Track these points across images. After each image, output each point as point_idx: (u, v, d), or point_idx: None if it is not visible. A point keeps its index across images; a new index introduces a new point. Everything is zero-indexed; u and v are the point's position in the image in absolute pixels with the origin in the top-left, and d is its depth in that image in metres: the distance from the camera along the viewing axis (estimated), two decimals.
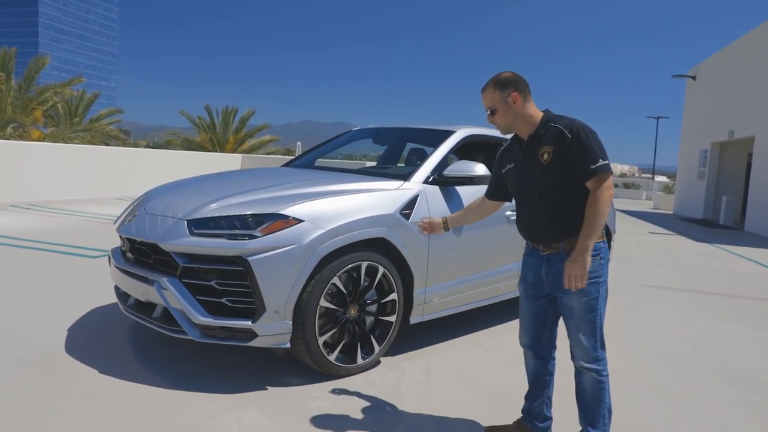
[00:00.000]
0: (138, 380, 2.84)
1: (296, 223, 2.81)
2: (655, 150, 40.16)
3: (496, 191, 2.58)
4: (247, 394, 2.78)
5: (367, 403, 2.77)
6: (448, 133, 3.97)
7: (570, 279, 2.07)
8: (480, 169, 3.57)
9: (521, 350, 2.51)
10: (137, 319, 3.06)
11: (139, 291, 2.99)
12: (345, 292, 2.98)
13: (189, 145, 27.22)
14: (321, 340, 2.89)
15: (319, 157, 4.73)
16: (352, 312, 3.06)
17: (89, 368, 2.95)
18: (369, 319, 3.20)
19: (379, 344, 3.19)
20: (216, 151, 25.77)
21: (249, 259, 2.69)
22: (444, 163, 3.70)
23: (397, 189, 3.33)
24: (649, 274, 6.74)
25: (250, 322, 2.72)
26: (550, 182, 2.16)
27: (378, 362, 3.29)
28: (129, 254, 3.17)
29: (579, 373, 2.28)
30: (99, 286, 4.45)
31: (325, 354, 2.92)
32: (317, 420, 2.56)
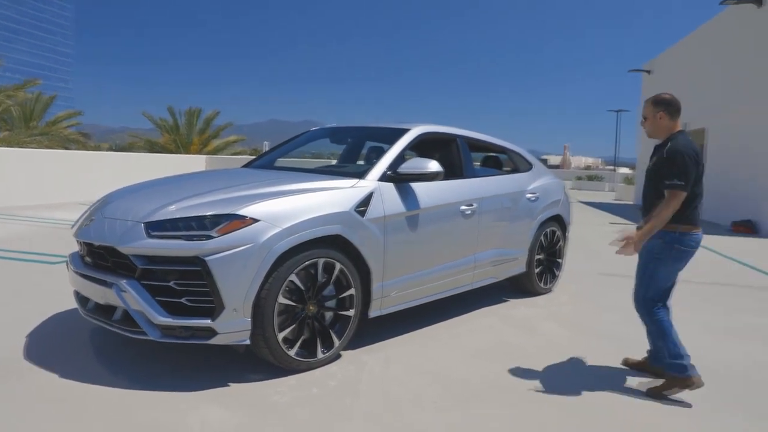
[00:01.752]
0: (100, 382, 2.86)
1: (252, 223, 2.88)
2: (617, 142, 41.42)
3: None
4: (209, 391, 2.84)
5: (329, 396, 2.87)
6: (403, 131, 4.09)
7: (625, 248, 2.91)
8: (433, 165, 3.70)
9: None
10: (98, 322, 3.09)
11: (99, 294, 3.01)
12: (303, 288, 3.07)
13: (152, 147, 26.68)
14: (280, 336, 2.98)
15: (279, 157, 4.79)
16: (311, 308, 3.15)
17: (50, 373, 2.96)
18: (328, 315, 3.30)
19: (339, 338, 3.29)
20: (180, 153, 25.36)
21: (206, 259, 2.75)
22: (399, 160, 3.81)
23: (352, 187, 3.43)
24: (606, 263, 7.02)
25: (209, 321, 2.79)
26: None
27: (339, 356, 3.39)
28: (87, 258, 3.19)
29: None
30: (58, 291, 4.42)
31: (285, 349, 3.01)
32: (281, 414, 2.65)
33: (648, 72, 19.78)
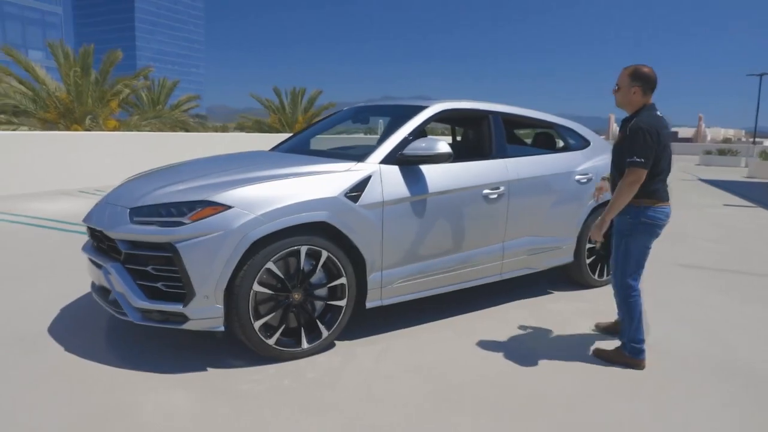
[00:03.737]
0: (97, 359, 3.01)
1: (225, 209, 2.83)
2: (757, 111, 36.10)
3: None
4: (184, 374, 2.88)
5: (304, 388, 2.77)
6: (419, 109, 3.79)
7: (592, 232, 3.02)
8: (440, 146, 3.38)
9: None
10: (99, 302, 3.25)
11: (96, 276, 3.17)
12: (283, 276, 2.97)
13: (260, 127, 28.25)
14: (257, 324, 2.92)
15: (311, 138, 4.69)
16: (297, 296, 3.05)
17: (59, 346, 3.19)
18: (319, 304, 3.18)
19: (328, 329, 3.16)
20: (285, 132, 26.55)
21: (177, 245, 2.76)
22: (408, 141, 3.54)
23: (346, 171, 3.24)
24: (694, 252, 6.14)
25: (181, 306, 2.80)
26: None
27: (332, 345, 3.28)
28: (92, 241, 3.36)
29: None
30: None
31: (263, 338, 2.95)
32: (246, 403, 2.60)
33: None
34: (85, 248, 3.36)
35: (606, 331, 3.60)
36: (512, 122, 4.48)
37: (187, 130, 21.73)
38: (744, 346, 3.45)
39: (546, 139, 4.84)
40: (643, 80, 2.97)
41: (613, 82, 3.12)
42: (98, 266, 3.09)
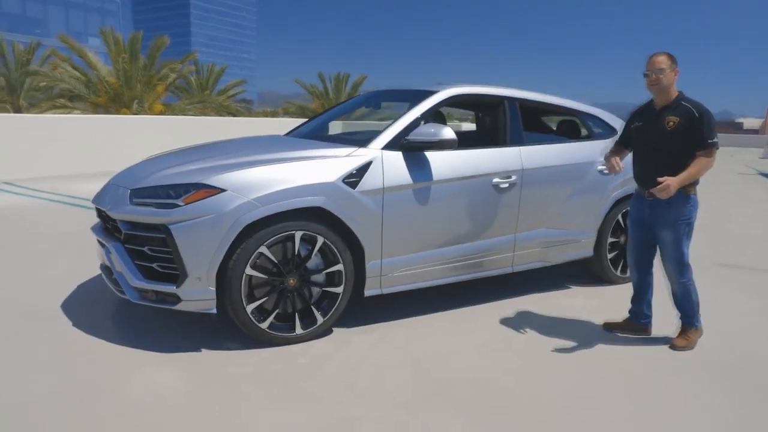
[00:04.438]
0: (99, 335, 3.11)
1: (218, 192, 2.83)
2: None
3: (626, 140, 3.38)
4: (180, 354, 2.93)
5: (290, 374, 2.77)
6: (426, 94, 3.68)
7: (662, 189, 2.89)
8: (447, 132, 3.28)
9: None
10: (105, 280, 3.34)
11: (101, 255, 3.26)
12: (276, 261, 2.96)
13: (303, 112, 28.54)
14: (250, 308, 2.93)
15: (328, 122, 4.65)
16: (292, 281, 3.04)
17: (68, 321, 3.31)
18: (316, 290, 3.16)
19: (324, 315, 3.14)
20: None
21: (170, 226, 2.79)
22: (414, 126, 3.43)
23: (347, 156, 3.19)
24: (734, 251, 5.76)
25: (174, 287, 2.84)
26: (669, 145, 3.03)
27: (330, 332, 3.26)
28: (100, 222, 3.45)
29: (672, 285, 3.27)
30: None
31: (256, 321, 2.96)
32: (226, 385, 2.62)
33: None
34: (94, 228, 3.46)
35: (619, 329, 3.46)
36: (531, 109, 4.29)
37: (234, 115, 22.26)
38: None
39: (570, 126, 4.63)
40: (676, 63, 3.07)
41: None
42: (102, 245, 3.18)
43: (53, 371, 2.70)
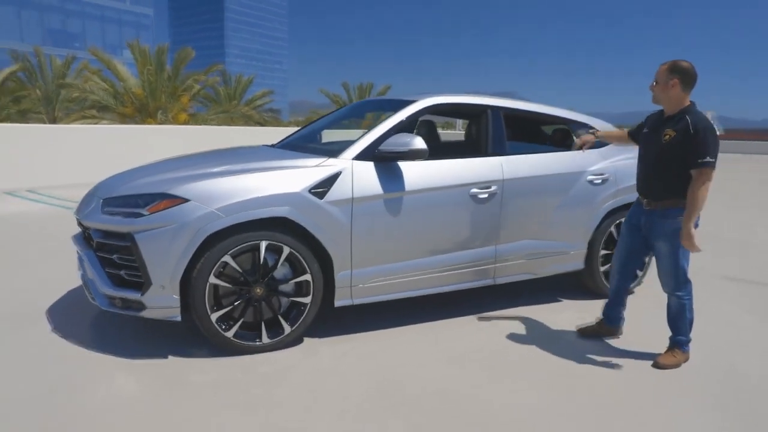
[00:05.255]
0: (75, 340, 3.18)
1: (182, 202, 2.87)
2: None
3: (636, 137, 3.35)
4: (146, 360, 2.97)
5: (248, 383, 2.77)
6: (404, 104, 3.66)
7: (686, 245, 2.88)
8: (418, 143, 3.26)
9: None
10: (84, 287, 3.41)
11: (78, 263, 3.34)
12: (241, 270, 2.98)
13: None
14: (214, 317, 2.95)
15: (322, 129, 4.66)
16: (258, 291, 3.05)
17: (48, 325, 3.40)
18: (285, 300, 3.17)
19: (291, 325, 3.14)
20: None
21: (135, 235, 2.84)
22: (387, 136, 3.41)
23: (315, 166, 3.19)
24: (747, 263, 5.52)
25: (139, 295, 2.89)
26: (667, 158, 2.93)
27: (300, 341, 3.26)
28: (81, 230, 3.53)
29: (668, 298, 3.16)
30: None
31: (221, 330, 2.98)
32: (181, 393, 2.65)
33: None
34: (74, 237, 3.55)
35: (593, 334, 3.48)
36: (519, 118, 4.22)
37: (261, 125, 22.64)
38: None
39: (562, 136, 4.53)
40: (682, 73, 2.89)
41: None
42: (78, 253, 3.26)
43: (18, 373, 2.78)
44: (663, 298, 3.20)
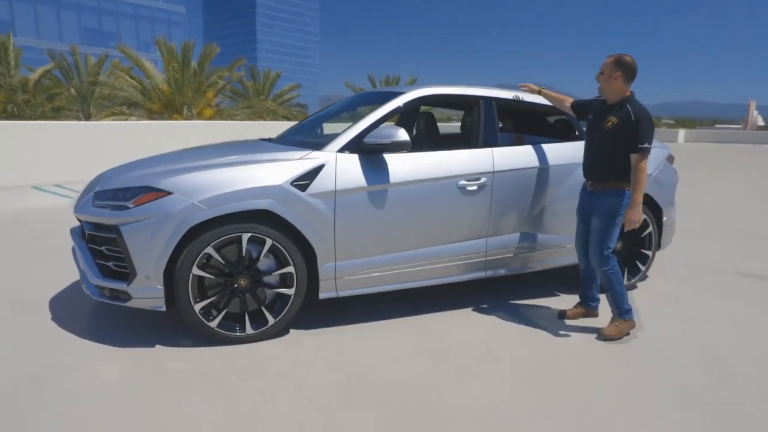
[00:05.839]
0: (68, 327, 3.31)
1: (165, 195, 2.94)
2: None
3: (577, 111, 3.65)
4: (132, 348, 3.06)
5: (225, 373, 2.83)
6: (391, 96, 3.65)
7: (629, 223, 3.20)
8: (401, 135, 3.25)
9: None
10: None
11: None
12: (223, 262, 3.04)
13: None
14: (198, 307, 3.02)
15: (322, 123, 4.68)
16: (242, 282, 3.11)
17: (48, 313, 3.54)
18: (270, 291, 3.22)
19: (275, 317, 3.19)
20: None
21: (121, 227, 2.93)
22: (372, 128, 3.41)
23: (299, 159, 3.22)
24: (761, 257, 5.30)
25: (125, 285, 2.98)
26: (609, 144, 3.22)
27: (286, 332, 3.31)
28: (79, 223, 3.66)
29: (599, 275, 3.44)
30: None
31: (205, 320, 3.05)
32: (159, 380, 2.73)
33: None
34: (72, 230, 3.67)
35: (574, 317, 3.65)
36: (513, 109, 4.15)
37: (288, 119, 22.87)
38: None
39: (564, 127, 4.44)
40: (625, 67, 3.17)
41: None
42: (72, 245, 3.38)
43: (7, 357, 2.91)
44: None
